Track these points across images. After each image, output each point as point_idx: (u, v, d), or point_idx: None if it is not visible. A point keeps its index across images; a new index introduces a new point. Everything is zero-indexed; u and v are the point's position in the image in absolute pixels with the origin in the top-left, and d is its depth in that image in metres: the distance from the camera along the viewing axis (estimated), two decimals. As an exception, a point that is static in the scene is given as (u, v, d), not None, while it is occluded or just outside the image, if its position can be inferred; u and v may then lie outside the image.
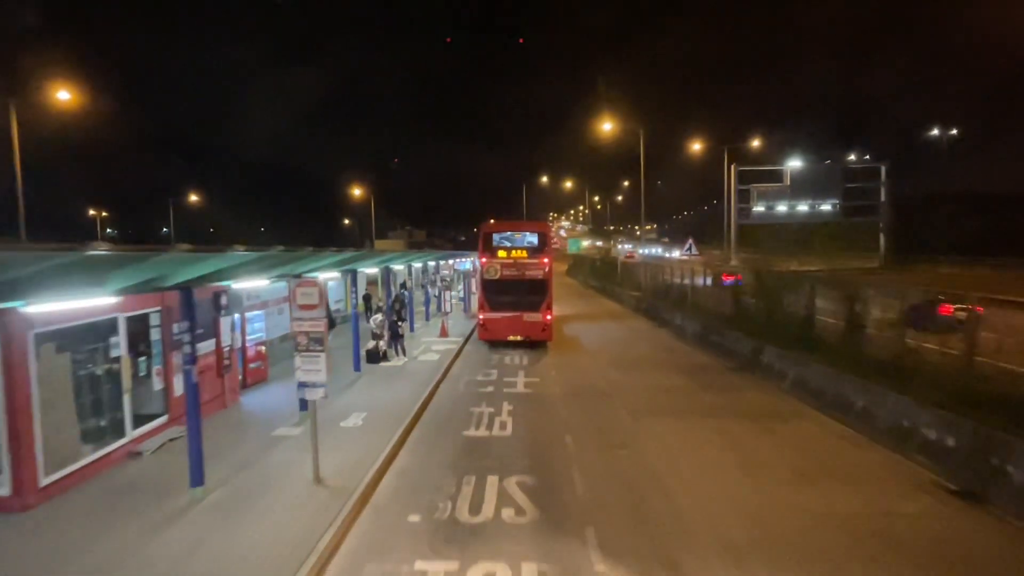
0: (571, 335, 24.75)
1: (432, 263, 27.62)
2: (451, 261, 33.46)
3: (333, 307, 27.94)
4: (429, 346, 21.12)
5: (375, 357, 18.09)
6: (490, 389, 15.35)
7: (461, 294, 31.49)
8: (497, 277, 20.37)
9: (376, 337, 18.39)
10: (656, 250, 76.34)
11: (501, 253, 20.55)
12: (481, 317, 20.71)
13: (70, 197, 67.32)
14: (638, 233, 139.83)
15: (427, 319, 26.76)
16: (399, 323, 18.68)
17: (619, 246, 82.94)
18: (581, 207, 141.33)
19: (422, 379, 16.02)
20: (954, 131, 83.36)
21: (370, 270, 25.17)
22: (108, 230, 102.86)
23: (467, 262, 33.46)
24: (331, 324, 23.78)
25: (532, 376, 16.81)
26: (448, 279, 23.91)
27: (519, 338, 20.47)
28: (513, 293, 20.20)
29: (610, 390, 15.28)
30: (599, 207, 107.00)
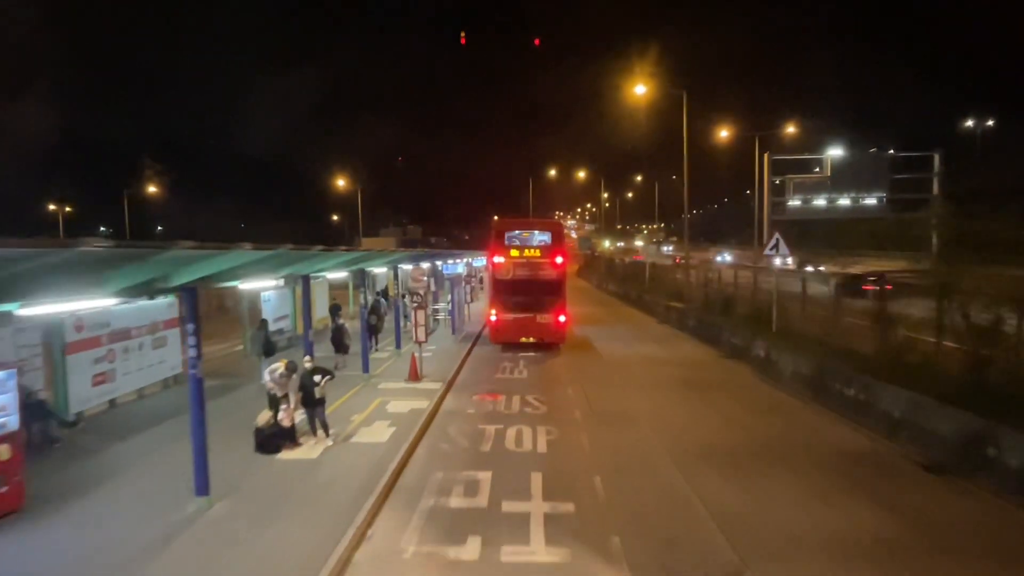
0: (607, 369, 16.21)
1: (407, 265, 19.02)
2: (436, 263, 24.88)
3: (274, 326, 19.54)
4: (384, 405, 12.56)
5: (271, 442, 9.57)
6: (474, 550, 6.79)
7: (448, 307, 22.93)
8: (509, 277, 18.59)
9: (275, 403, 9.91)
10: (725, 256, 58.45)
11: (513, 252, 18.74)
12: (492, 318, 18.91)
13: (25, 191, 59.02)
14: (645, 232, 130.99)
15: (398, 347, 18.19)
16: (318, 378, 10.06)
17: (662, 247, 72.74)
18: (589, 204, 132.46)
19: (335, 511, 7.47)
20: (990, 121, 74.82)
21: (335, 273, 16.75)
22: (102, 228, 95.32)
23: (458, 264, 24.93)
24: (269, 350, 15.47)
25: (560, 494, 8.22)
26: (422, 293, 15.32)
27: (532, 340, 18.64)
28: (526, 294, 18.37)
29: (748, 571, 6.67)
30: (607, 204, 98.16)
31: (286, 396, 9.86)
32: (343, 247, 9.68)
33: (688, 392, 14.14)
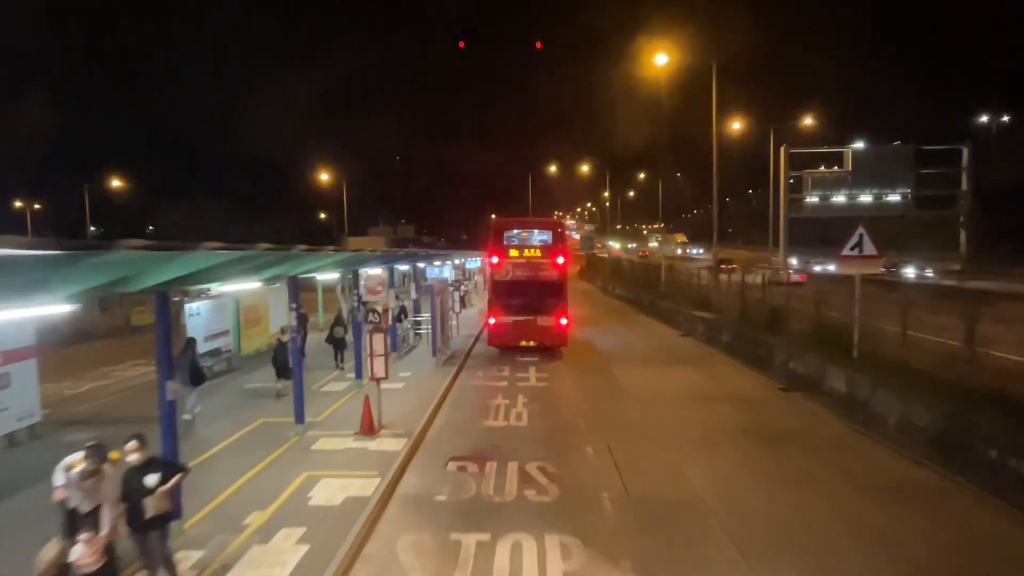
0: (636, 409, 11.60)
1: (375, 270, 14.52)
2: (417, 265, 20.36)
3: (206, 346, 15.11)
4: (309, 487, 8.00)
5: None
6: None
7: (429, 320, 18.43)
8: (508, 278, 17.32)
9: (73, 526, 5.37)
10: (827, 267, 38.17)
11: (512, 252, 17.46)
12: (491, 321, 17.57)
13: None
14: (644, 232, 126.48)
15: (358, 376, 13.62)
16: (153, 479, 5.52)
17: (689, 249, 65.94)
18: (589, 204, 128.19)
19: None
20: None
21: (238, 286, 12.20)
22: (92, 228, 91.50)
23: (445, 266, 20.41)
24: (197, 378, 11.08)
25: None
26: (380, 310, 10.70)
27: (532, 344, 17.29)
28: (525, 295, 17.02)
29: None
30: (608, 204, 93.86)
31: (94, 512, 5.32)
32: (223, 246, 5.05)
33: (760, 452, 9.63)
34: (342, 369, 15.60)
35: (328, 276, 13.96)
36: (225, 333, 16.34)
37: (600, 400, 12.94)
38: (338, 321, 17.76)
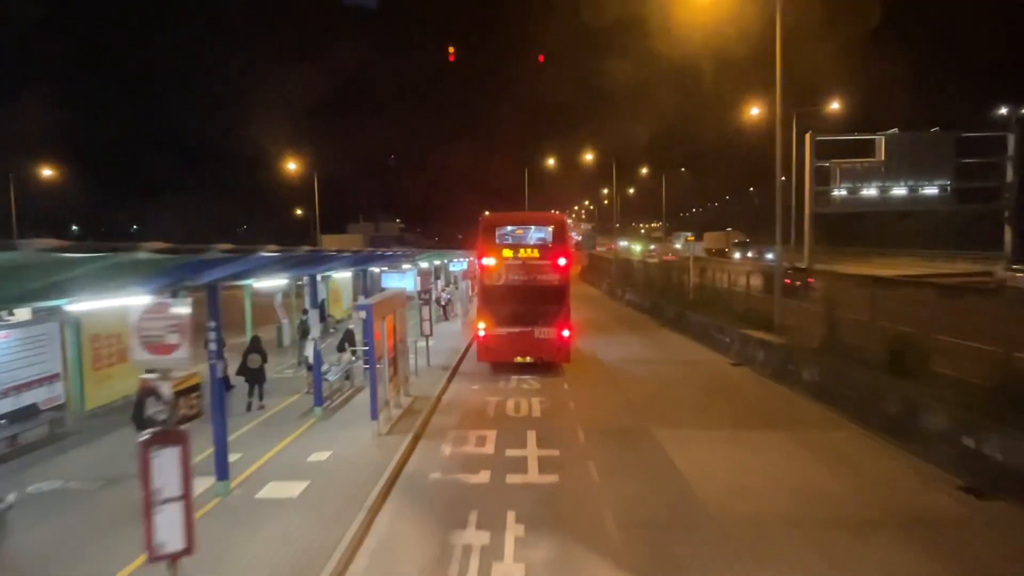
0: (736, 565, 5.62)
1: (227, 293, 9.69)
2: (370, 270, 14.43)
3: (5, 405, 9.09)
4: None
5: None
6: None
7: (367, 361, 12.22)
8: (501, 283, 14.80)
9: None
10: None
11: (506, 252, 14.90)
12: (481, 333, 14.99)
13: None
14: (642, 231, 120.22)
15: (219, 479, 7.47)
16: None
17: (755, 254, 55.60)
18: (587, 202, 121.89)
19: None
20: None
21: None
22: (74, 227, 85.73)
23: (406, 274, 14.27)
24: None
25: None
26: (166, 395, 4.51)
27: (528, 359, 14.76)
28: (521, 303, 14.64)
29: None
30: (607, 201, 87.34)
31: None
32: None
33: None
34: (260, 406, 9.89)
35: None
36: (52, 378, 10.17)
37: (658, 532, 6.81)
38: (255, 346, 11.87)
